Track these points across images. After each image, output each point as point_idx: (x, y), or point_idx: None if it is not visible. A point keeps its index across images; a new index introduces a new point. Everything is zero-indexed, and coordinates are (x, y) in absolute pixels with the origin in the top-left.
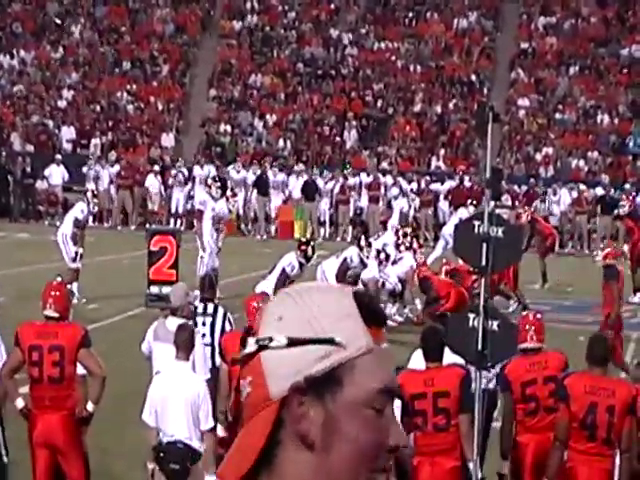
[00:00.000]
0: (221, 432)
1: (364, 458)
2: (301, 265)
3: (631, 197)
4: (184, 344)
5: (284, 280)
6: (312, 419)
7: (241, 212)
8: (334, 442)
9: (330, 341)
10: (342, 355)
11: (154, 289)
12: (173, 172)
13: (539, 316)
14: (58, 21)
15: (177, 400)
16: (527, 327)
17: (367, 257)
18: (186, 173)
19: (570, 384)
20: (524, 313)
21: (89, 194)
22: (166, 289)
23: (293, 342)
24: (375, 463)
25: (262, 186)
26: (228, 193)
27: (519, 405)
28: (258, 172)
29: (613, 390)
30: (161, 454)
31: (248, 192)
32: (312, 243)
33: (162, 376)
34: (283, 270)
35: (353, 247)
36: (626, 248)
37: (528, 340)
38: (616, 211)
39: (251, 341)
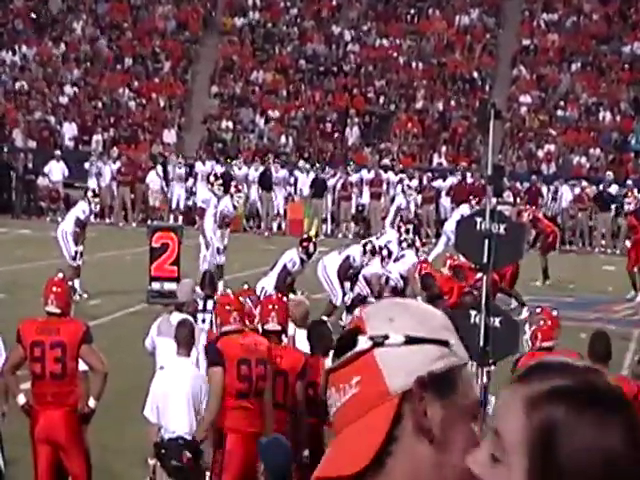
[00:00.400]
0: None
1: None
2: (302, 261)
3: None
4: (185, 340)
5: (285, 276)
6: (432, 415)
7: (243, 209)
8: (452, 439)
9: (445, 343)
10: (454, 360)
11: (156, 285)
12: (171, 167)
13: (555, 313)
14: (57, 14)
15: (179, 396)
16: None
17: (370, 259)
18: (186, 168)
19: None
20: (538, 310)
21: (90, 194)
22: (168, 285)
23: (411, 340)
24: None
25: (266, 183)
26: (232, 189)
27: None
28: (261, 169)
29: None
30: (162, 450)
31: (250, 189)
32: (314, 239)
33: (164, 372)
34: (284, 266)
35: (356, 245)
36: (628, 244)
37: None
38: (619, 207)
39: (363, 339)
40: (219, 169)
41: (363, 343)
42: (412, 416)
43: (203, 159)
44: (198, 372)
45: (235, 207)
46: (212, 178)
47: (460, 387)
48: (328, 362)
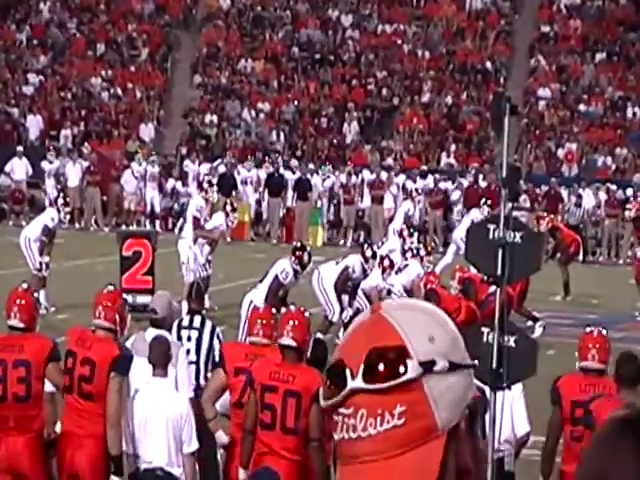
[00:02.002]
0: (224, 439)
1: None
2: (296, 273)
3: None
4: (160, 359)
5: (277, 289)
6: (471, 454)
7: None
8: (477, 474)
9: (474, 366)
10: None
11: (127, 298)
12: (145, 166)
13: (604, 332)
14: None
15: (156, 421)
16: (589, 345)
17: (371, 269)
18: (163, 168)
19: (597, 409)
20: (587, 330)
21: (60, 201)
22: (141, 298)
23: (454, 366)
24: None
25: (275, 186)
26: (227, 208)
27: (567, 425)
28: (271, 170)
29: None
30: None
31: (258, 192)
32: (308, 249)
33: (139, 395)
34: (276, 277)
35: (355, 255)
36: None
37: (589, 359)
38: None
39: (413, 364)
40: (204, 169)
41: (413, 371)
42: (455, 456)
43: (192, 158)
44: (177, 394)
45: (228, 226)
46: (206, 184)
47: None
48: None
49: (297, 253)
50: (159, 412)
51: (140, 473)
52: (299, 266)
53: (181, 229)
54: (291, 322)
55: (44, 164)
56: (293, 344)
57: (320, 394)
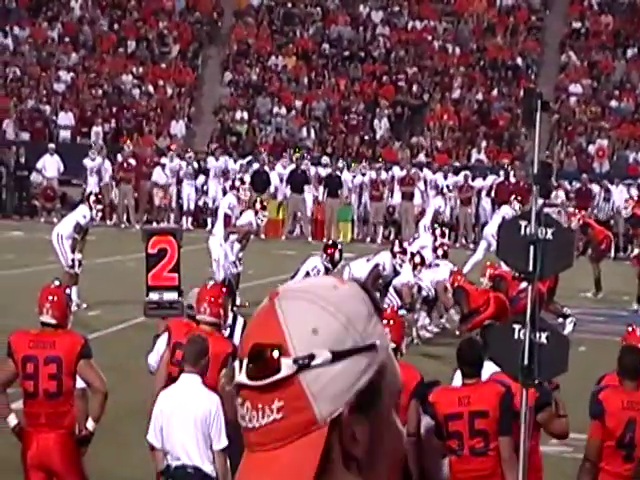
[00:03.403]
0: None
1: (398, 467)
2: (327, 270)
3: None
4: (193, 355)
5: None
6: (361, 438)
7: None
8: (378, 458)
9: (372, 347)
10: (379, 360)
11: (154, 296)
12: (183, 164)
13: None
14: None
15: (186, 418)
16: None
17: (401, 265)
18: (195, 165)
19: (606, 399)
20: (630, 329)
21: (92, 198)
22: (168, 295)
23: (338, 356)
24: (400, 470)
25: (298, 182)
26: (257, 206)
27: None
28: (293, 166)
29: None
30: None
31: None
32: (339, 246)
33: (169, 391)
34: (307, 275)
35: (386, 252)
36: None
37: None
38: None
39: (287, 362)
40: (232, 166)
41: (287, 369)
42: (341, 445)
43: (217, 155)
44: (207, 391)
45: (258, 225)
46: (238, 182)
47: (385, 388)
48: None
49: (328, 250)
50: (188, 408)
51: (171, 470)
52: (330, 263)
53: (213, 225)
54: None
55: (86, 161)
56: None
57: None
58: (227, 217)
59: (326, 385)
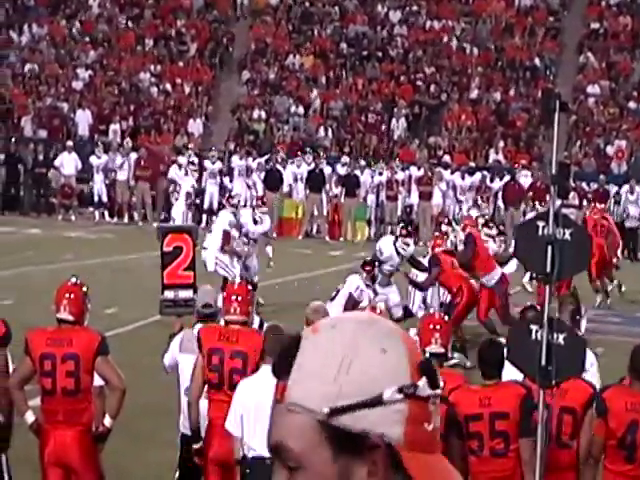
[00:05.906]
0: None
1: None
2: (368, 287)
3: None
4: (273, 347)
5: (352, 307)
6: None
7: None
8: None
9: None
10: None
11: (169, 294)
12: (207, 163)
13: None
14: None
15: (266, 409)
16: None
17: (404, 249)
18: (219, 164)
19: (609, 398)
20: None
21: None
22: (183, 293)
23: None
24: None
25: (315, 181)
26: (254, 202)
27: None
28: (312, 166)
29: None
30: (247, 471)
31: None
32: (376, 263)
33: (250, 381)
34: (350, 296)
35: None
36: None
37: None
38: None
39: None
40: (251, 164)
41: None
42: None
43: (241, 154)
44: None
45: (256, 222)
46: (250, 182)
47: None
48: None
49: (366, 267)
50: (267, 400)
51: (249, 460)
52: (370, 281)
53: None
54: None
55: (92, 159)
56: None
57: None
58: (226, 234)
59: None
